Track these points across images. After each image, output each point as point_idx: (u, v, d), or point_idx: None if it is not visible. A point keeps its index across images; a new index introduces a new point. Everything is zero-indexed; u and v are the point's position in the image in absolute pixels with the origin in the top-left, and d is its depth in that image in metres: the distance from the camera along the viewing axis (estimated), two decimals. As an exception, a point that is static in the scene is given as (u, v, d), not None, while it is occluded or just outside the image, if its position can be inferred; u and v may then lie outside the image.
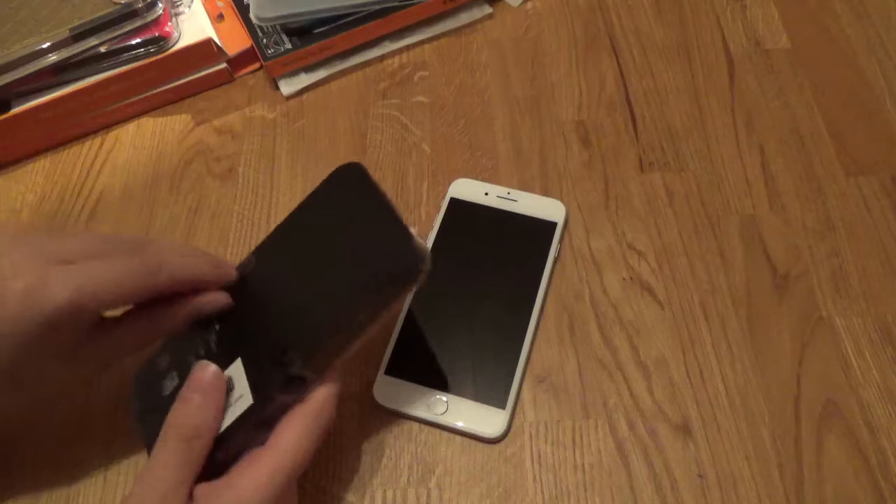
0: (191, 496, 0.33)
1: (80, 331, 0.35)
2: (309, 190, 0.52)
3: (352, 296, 0.35)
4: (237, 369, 0.36)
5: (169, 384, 0.37)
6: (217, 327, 0.38)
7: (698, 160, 0.52)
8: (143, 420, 0.38)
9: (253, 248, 0.41)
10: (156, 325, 0.37)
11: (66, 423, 0.44)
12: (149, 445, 0.35)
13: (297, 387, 0.35)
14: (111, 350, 0.37)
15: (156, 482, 0.33)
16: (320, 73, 0.57)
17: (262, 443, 0.34)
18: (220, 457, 0.34)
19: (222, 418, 0.35)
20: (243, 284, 0.39)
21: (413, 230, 0.36)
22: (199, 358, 0.36)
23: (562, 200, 0.50)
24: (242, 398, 0.35)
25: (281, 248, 0.40)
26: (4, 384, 0.34)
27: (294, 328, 0.36)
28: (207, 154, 0.55)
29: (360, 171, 0.39)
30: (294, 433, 0.34)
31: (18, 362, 0.33)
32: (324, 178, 0.40)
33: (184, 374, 0.36)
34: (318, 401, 0.35)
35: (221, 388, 0.35)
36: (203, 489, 0.33)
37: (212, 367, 0.35)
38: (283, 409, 0.35)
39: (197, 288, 0.38)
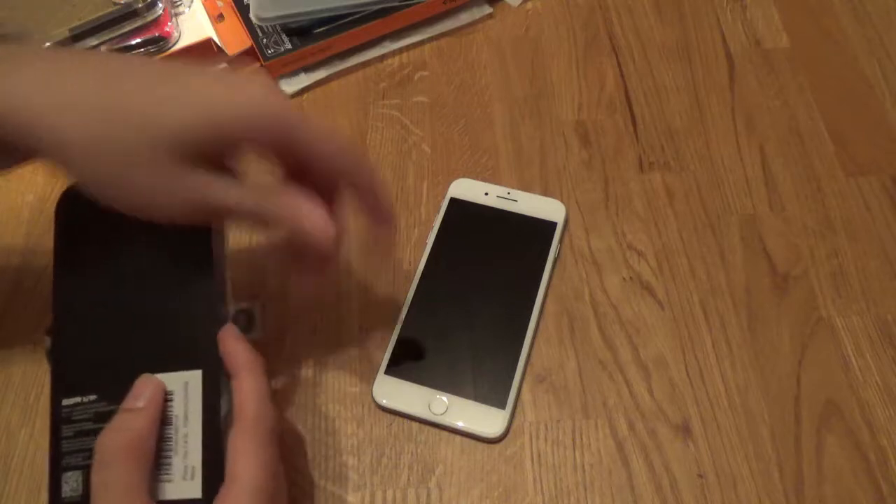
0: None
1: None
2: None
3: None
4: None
5: None
6: (92, 397, 0.36)
7: (698, 160, 0.52)
8: None
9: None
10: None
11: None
12: None
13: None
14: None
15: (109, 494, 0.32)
16: (320, 73, 0.57)
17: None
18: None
19: (168, 436, 0.35)
20: (86, 348, 0.37)
21: None
22: (102, 422, 0.35)
23: (562, 200, 0.50)
24: (189, 381, 0.35)
25: (92, 296, 0.38)
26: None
27: (181, 298, 0.37)
28: (207, 154, 0.54)
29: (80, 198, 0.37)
30: (245, 457, 0.33)
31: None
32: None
33: None
34: (250, 414, 0.34)
35: (160, 395, 0.34)
36: None
37: (153, 377, 0.35)
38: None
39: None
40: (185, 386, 0.35)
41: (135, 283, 0.37)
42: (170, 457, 0.34)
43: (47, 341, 0.38)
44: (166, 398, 0.35)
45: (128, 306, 0.37)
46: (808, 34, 0.58)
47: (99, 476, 0.32)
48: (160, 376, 0.35)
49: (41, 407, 0.44)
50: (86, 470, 0.34)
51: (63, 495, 0.35)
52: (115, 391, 0.35)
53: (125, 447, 0.33)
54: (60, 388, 0.37)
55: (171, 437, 0.35)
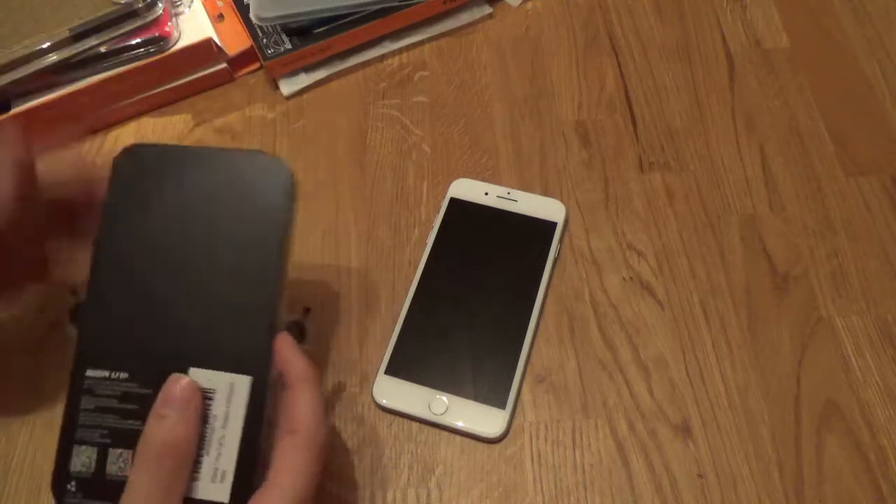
0: None
1: None
2: (310, 189, 0.52)
3: (261, 236, 0.34)
4: (198, 376, 0.33)
5: (125, 468, 0.33)
6: (123, 375, 0.34)
7: (698, 160, 0.52)
8: None
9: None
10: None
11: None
12: None
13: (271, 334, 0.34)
14: None
15: None
16: (320, 73, 0.57)
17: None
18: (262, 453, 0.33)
19: (203, 434, 0.33)
20: (123, 316, 0.35)
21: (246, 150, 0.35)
22: (134, 416, 0.33)
23: (562, 200, 0.50)
24: (236, 384, 0.33)
25: (138, 250, 0.35)
26: None
27: (239, 296, 0.34)
28: (207, 154, 0.54)
29: (150, 150, 0.36)
30: (294, 469, 0.32)
31: None
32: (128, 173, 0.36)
33: (132, 444, 0.32)
34: (304, 427, 0.33)
35: (198, 398, 0.33)
36: None
37: (184, 378, 0.33)
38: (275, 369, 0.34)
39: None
40: (230, 388, 0.33)
41: (188, 261, 0.34)
42: (200, 455, 0.33)
43: (71, 299, 0.35)
44: (207, 397, 0.33)
45: (176, 285, 0.34)
46: (808, 34, 0.58)
47: (138, 474, 0.32)
48: (206, 373, 0.33)
49: (41, 407, 0.44)
50: (102, 448, 0.33)
51: (72, 468, 0.33)
52: (151, 377, 0.33)
53: (169, 447, 0.32)
54: (87, 356, 0.34)
55: (205, 437, 0.33)
